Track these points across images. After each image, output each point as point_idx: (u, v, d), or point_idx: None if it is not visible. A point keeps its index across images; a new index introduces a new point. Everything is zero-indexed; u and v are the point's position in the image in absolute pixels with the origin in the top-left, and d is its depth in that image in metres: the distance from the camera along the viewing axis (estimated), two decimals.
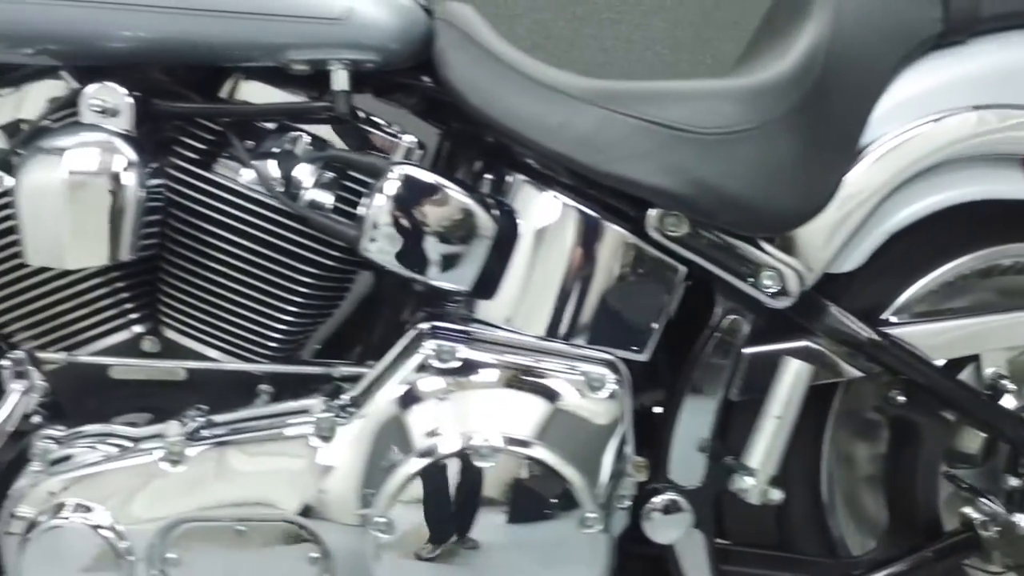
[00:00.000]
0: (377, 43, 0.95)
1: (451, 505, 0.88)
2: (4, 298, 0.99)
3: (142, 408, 1.02)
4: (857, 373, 1.00)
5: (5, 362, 0.97)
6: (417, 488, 0.87)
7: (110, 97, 0.93)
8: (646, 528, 0.97)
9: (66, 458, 0.92)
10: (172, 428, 0.93)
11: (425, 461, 0.88)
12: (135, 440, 0.94)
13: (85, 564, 0.88)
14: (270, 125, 1.00)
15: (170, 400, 1.02)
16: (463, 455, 0.87)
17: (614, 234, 0.96)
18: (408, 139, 1.02)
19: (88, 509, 0.89)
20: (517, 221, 0.97)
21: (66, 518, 0.88)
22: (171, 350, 1.02)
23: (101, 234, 0.89)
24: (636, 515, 0.97)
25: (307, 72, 0.97)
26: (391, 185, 0.93)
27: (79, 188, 0.88)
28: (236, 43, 0.95)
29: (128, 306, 1.01)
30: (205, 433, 0.93)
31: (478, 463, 0.87)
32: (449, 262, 0.94)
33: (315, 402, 0.95)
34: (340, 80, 0.96)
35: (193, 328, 1.00)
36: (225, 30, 0.94)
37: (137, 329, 1.01)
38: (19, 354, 0.98)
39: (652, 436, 0.99)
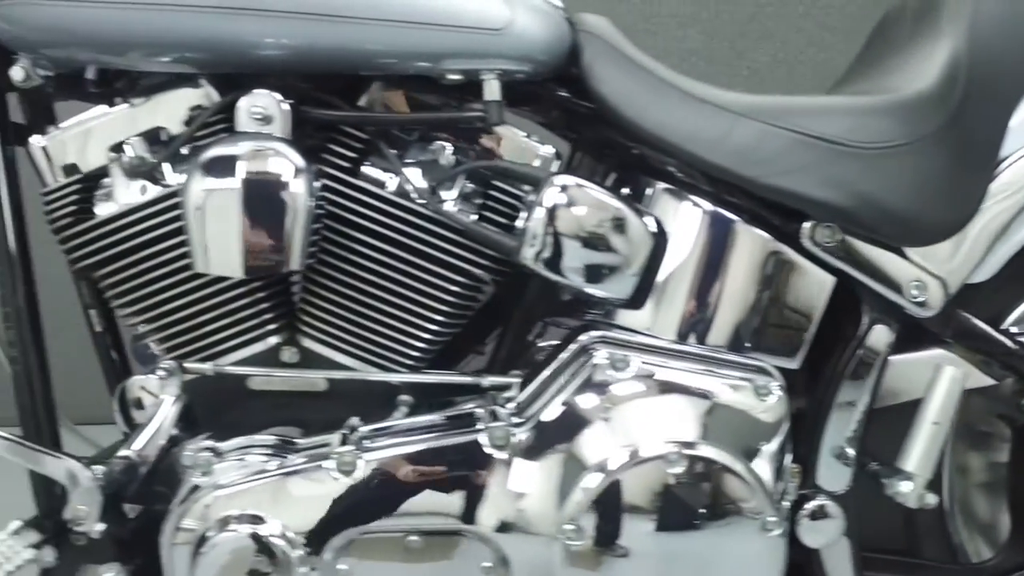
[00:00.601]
0: (532, 54, 0.96)
1: (641, 511, 0.88)
2: (144, 308, 0.98)
3: (281, 419, 1.01)
4: (990, 380, 1.02)
5: (160, 371, 0.96)
6: (607, 494, 0.88)
7: (268, 104, 0.92)
8: (800, 533, 0.98)
9: (228, 469, 0.91)
10: (337, 438, 0.92)
11: (614, 467, 0.89)
12: (296, 451, 0.93)
13: None
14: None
15: (310, 411, 1.02)
16: (651, 461, 0.88)
17: (765, 243, 0.98)
18: (547, 150, 1.02)
19: (259, 520, 0.88)
20: (664, 230, 0.98)
21: (237, 530, 0.87)
22: (309, 360, 1.01)
23: (277, 243, 0.88)
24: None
25: (458, 81, 0.97)
26: (552, 195, 0.93)
27: (254, 197, 0.87)
28: (393, 51, 0.94)
29: (267, 316, 1.00)
30: (370, 443, 0.92)
31: (667, 469, 0.88)
32: (609, 272, 0.94)
33: (480, 411, 0.94)
34: (493, 90, 0.96)
35: (333, 337, 1.00)
36: (383, 38, 0.93)
37: (274, 340, 1.00)
38: (171, 363, 0.96)
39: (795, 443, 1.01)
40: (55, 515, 0.92)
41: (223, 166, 0.88)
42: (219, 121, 0.96)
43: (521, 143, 1.02)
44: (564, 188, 0.93)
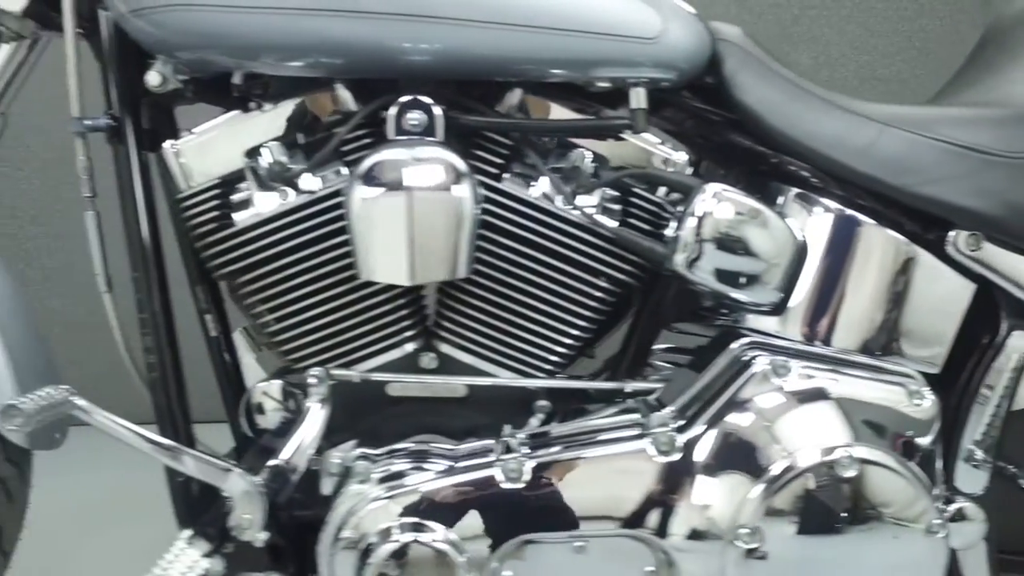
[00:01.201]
0: (680, 63, 0.96)
1: (814, 514, 0.90)
2: (282, 314, 0.98)
3: (420, 426, 1.01)
4: None
5: (311, 379, 0.95)
6: (781, 498, 0.89)
7: (423, 111, 0.92)
8: None
9: (392, 476, 0.91)
10: (501, 446, 0.92)
11: (787, 472, 0.90)
12: (451, 458, 0.93)
13: None
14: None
15: (448, 417, 1.02)
16: (824, 466, 0.90)
17: (901, 247, 0.99)
18: (680, 156, 1.02)
19: (421, 528, 0.88)
20: (805, 236, 0.99)
21: (402, 538, 0.87)
22: (447, 366, 1.01)
23: (445, 250, 0.88)
24: None
25: (605, 89, 0.97)
26: (705, 203, 0.94)
27: (423, 204, 0.87)
28: (544, 58, 0.94)
29: (406, 323, 1.00)
30: (534, 450, 0.92)
31: (840, 473, 0.89)
32: (757, 278, 0.95)
33: (640, 418, 0.95)
34: (639, 98, 0.96)
35: (474, 343, 1.00)
36: (535, 45, 0.93)
37: (411, 346, 1.00)
38: (320, 371, 0.96)
39: None
40: (218, 523, 0.91)
41: (391, 173, 0.88)
42: (361, 126, 0.96)
43: (657, 150, 1.02)
44: (716, 196, 0.94)
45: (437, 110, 0.92)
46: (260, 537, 0.90)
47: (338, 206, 0.95)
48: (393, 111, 0.92)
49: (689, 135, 1.08)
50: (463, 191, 0.89)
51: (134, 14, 0.93)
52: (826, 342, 0.98)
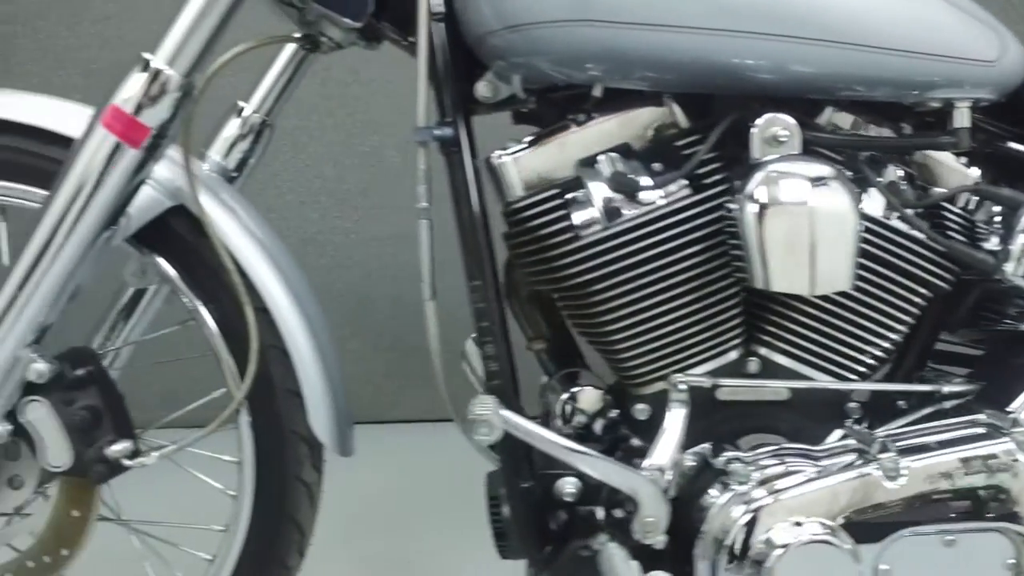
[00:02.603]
0: (1011, 84, 1.01)
1: None
2: (624, 325, 1.01)
3: (748, 428, 1.05)
4: None
5: (674, 385, 0.99)
6: None
7: (786, 127, 0.96)
8: None
9: (770, 478, 0.95)
10: (877, 446, 0.97)
11: None
12: (815, 458, 0.97)
13: None
14: None
15: (772, 419, 1.06)
16: None
17: None
18: (974, 172, 1.08)
19: (814, 526, 0.92)
20: None
21: (802, 536, 0.91)
22: (769, 370, 1.05)
23: (841, 262, 0.92)
24: None
25: (932, 108, 1.02)
26: None
27: (825, 218, 0.91)
28: (878, 78, 0.98)
29: (735, 330, 1.03)
30: (902, 450, 0.97)
31: None
32: None
33: (985, 418, 1.00)
34: (963, 117, 1.01)
35: (796, 347, 1.04)
36: (873, 64, 0.97)
37: (735, 354, 1.04)
38: (681, 377, 0.99)
39: None
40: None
41: (793, 188, 0.91)
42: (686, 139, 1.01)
43: (955, 166, 1.08)
44: None
45: (796, 126, 0.96)
46: (660, 540, 0.93)
47: (682, 219, 0.99)
48: (758, 127, 0.96)
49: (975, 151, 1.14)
50: (854, 206, 0.93)
51: (509, 30, 0.95)
52: None
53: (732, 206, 0.95)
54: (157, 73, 0.97)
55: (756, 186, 0.92)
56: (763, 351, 1.05)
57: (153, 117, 0.97)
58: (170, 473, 1.16)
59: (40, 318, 1.00)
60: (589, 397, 1.06)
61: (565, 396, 1.06)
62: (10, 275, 0.99)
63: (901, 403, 1.08)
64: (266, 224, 1.12)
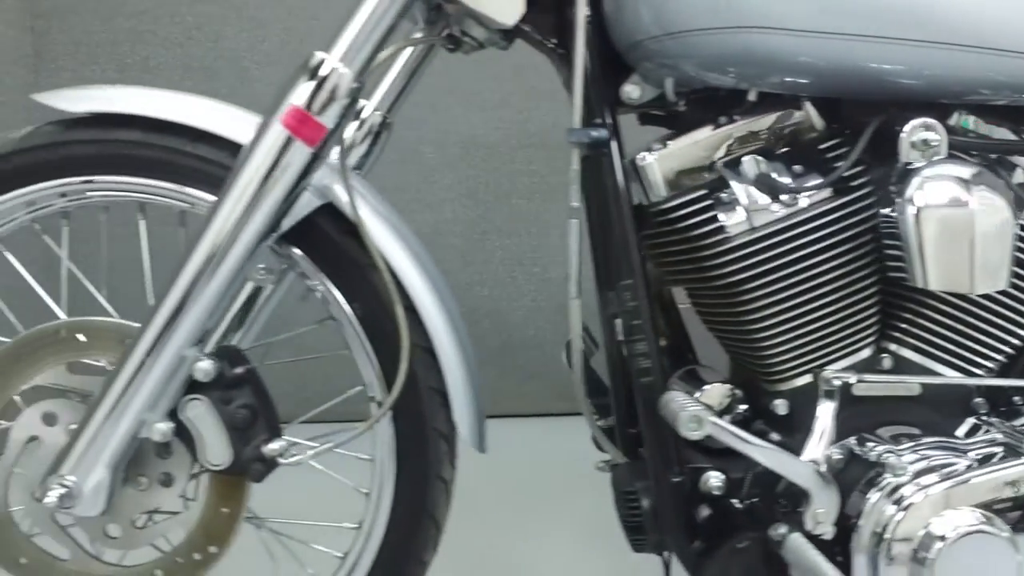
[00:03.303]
0: None
1: None
2: (768, 325, 1.04)
3: (881, 422, 1.08)
4: None
5: (827, 382, 1.03)
6: None
7: (934, 132, 0.99)
8: None
9: (926, 471, 0.99)
10: (1011, 438, 1.02)
11: None
12: (960, 450, 1.02)
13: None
14: None
15: (905, 414, 1.09)
16: None
17: None
18: None
19: (978, 516, 0.96)
20: None
21: (968, 526, 0.95)
22: (900, 366, 1.09)
23: (1003, 260, 0.96)
24: None
25: None
26: None
27: (987, 220, 0.95)
28: (1013, 82, 1.02)
29: (870, 328, 1.07)
30: None
31: None
32: None
33: None
34: None
35: (928, 344, 1.07)
36: (1001, 67, 0.99)
37: (867, 352, 1.08)
38: (830, 373, 1.03)
39: None
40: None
41: (952, 190, 0.95)
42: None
43: None
44: None
45: (943, 131, 1.00)
46: (830, 532, 0.96)
47: (827, 221, 1.02)
48: (906, 132, 0.99)
49: None
50: (1011, 207, 0.97)
51: (668, 36, 0.98)
52: None
53: (887, 210, 0.99)
54: (330, 73, 0.98)
55: (916, 190, 0.96)
56: (894, 347, 1.08)
57: (328, 117, 0.98)
58: (293, 470, 1.17)
59: (205, 318, 1.01)
60: (717, 393, 1.09)
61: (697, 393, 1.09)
62: (178, 274, 1.00)
63: (1017, 399, 1.12)
64: (405, 223, 1.13)
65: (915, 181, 0.96)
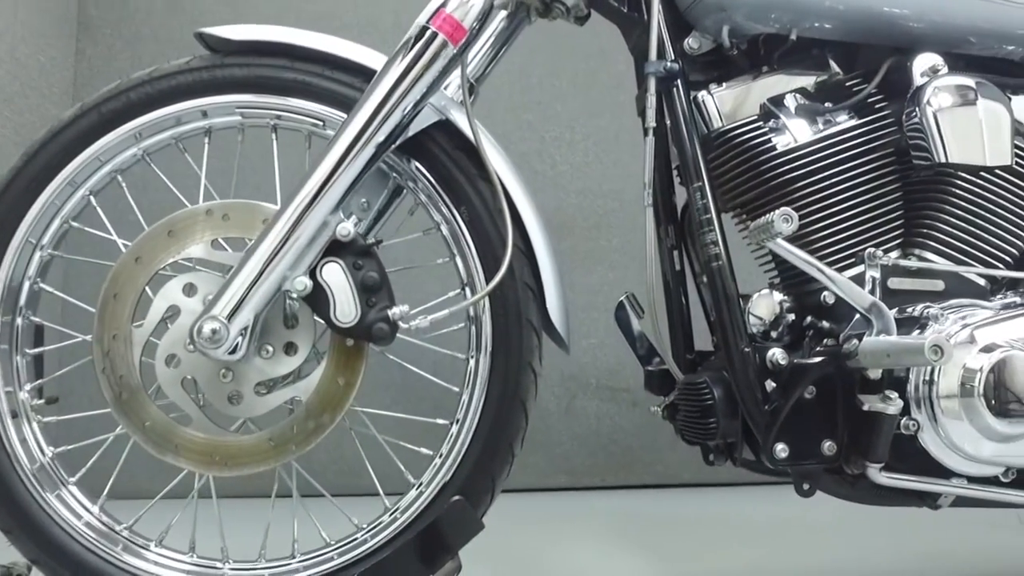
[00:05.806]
0: None
1: None
2: (816, 218, 1.24)
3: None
4: None
5: (873, 262, 1.23)
6: None
7: (939, 63, 1.25)
8: None
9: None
10: None
11: None
12: (995, 309, 1.22)
13: None
14: None
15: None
16: None
17: None
18: None
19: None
20: None
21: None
22: (926, 268, 1.28)
23: (1005, 141, 1.19)
24: None
25: None
26: None
27: (990, 104, 1.20)
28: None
29: (898, 230, 1.27)
30: None
31: None
32: None
33: None
34: None
35: (946, 245, 1.27)
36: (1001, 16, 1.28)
37: (895, 254, 1.27)
38: (873, 251, 1.22)
39: None
40: None
41: (961, 87, 1.21)
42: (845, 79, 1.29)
43: None
44: None
45: (944, 61, 1.27)
46: None
47: (855, 136, 1.26)
48: (916, 63, 1.26)
49: None
50: (1006, 99, 1.22)
51: None
52: None
53: (909, 110, 1.23)
54: None
55: (932, 87, 1.21)
56: (918, 251, 1.28)
57: (470, 18, 1.19)
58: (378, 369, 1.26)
59: (345, 191, 1.16)
60: (767, 303, 1.26)
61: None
62: (326, 154, 1.17)
63: None
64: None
65: (930, 87, 1.21)
